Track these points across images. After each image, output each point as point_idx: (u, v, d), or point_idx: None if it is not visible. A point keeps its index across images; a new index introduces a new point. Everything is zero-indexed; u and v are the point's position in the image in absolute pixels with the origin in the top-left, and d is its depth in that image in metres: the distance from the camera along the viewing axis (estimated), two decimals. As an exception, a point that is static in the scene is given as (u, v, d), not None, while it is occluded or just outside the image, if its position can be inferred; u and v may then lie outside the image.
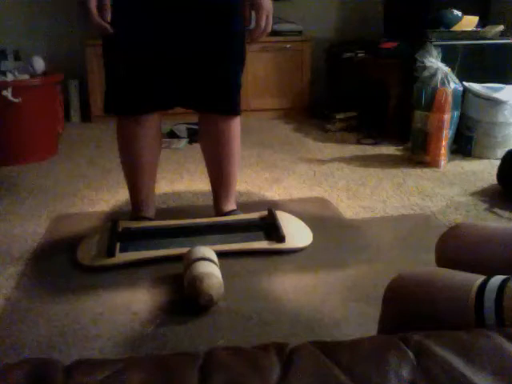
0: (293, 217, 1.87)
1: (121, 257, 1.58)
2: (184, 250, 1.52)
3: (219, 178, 1.84)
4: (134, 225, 1.77)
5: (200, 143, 1.87)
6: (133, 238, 1.69)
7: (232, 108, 1.74)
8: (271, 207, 1.87)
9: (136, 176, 1.78)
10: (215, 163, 1.83)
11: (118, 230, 1.70)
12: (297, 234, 1.76)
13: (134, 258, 1.58)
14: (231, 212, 1.85)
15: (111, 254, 1.57)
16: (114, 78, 1.66)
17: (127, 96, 1.65)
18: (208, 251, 1.48)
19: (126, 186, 1.84)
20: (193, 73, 1.65)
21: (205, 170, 1.90)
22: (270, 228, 1.74)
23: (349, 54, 3.57)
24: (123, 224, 1.75)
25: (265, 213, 1.84)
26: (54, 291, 1.46)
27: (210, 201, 1.95)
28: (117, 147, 1.77)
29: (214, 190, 1.88)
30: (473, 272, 0.66)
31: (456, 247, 0.82)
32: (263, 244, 1.67)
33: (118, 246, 1.62)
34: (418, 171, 2.53)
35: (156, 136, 1.75)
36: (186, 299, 1.37)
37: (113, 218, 1.89)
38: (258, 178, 2.44)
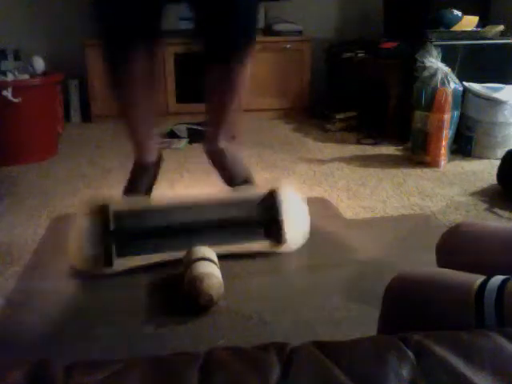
0: (296, 199, 1.76)
1: (119, 264, 1.52)
2: (184, 251, 1.51)
3: (216, 116, 1.79)
4: (127, 207, 1.62)
5: (206, 91, 1.77)
6: (129, 238, 1.59)
7: (235, 55, 1.64)
8: (274, 189, 1.70)
9: (131, 116, 1.71)
10: (216, 107, 1.78)
11: (110, 227, 1.56)
12: (298, 228, 1.70)
13: (133, 265, 1.54)
14: (221, 151, 1.83)
15: (109, 263, 1.51)
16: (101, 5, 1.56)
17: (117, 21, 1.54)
18: (208, 251, 1.48)
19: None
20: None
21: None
22: (270, 224, 1.66)
23: (349, 54, 3.57)
24: (115, 208, 1.59)
25: (265, 192, 1.72)
26: (53, 291, 1.46)
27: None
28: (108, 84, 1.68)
29: (210, 119, 1.83)
30: (473, 272, 0.66)
31: (456, 247, 0.82)
32: (263, 245, 1.65)
33: (113, 248, 1.54)
34: (418, 171, 2.53)
35: (147, 73, 1.64)
36: (185, 299, 1.37)
37: (100, 200, 1.65)
38: (258, 178, 2.44)
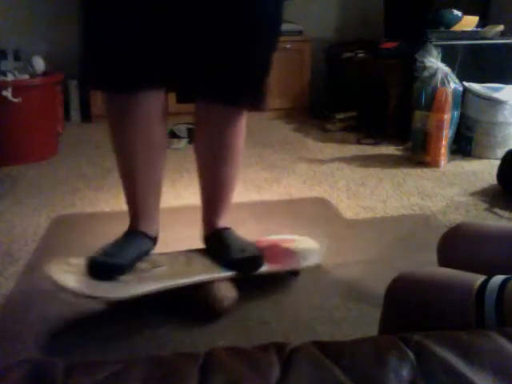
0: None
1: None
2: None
3: (215, 184, 1.49)
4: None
5: (194, 141, 1.50)
6: None
7: (241, 97, 1.34)
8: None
9: (129, 175, 1.40)
10: (211, 167, 1.48)
11: None
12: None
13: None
14: (224, 230, 1.48)
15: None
16: (93, 37, 1.32)
17: (110, 62, 1.25)
18: None
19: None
20: (197, 40, 1.25)
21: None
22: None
23: (349, 54, 3.56)
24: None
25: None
26: (53, 291, 1.46)
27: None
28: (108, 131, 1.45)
29: (205, 199, 1.52)
30: (474, 271, 0.66)
31: (457, 247, 0.82)
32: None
33: None
34: (418, 171, 2.53)
35: (154, 124, 1.34)
36: (198, 304, 1.36)
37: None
38: (258, 178, 2.44)
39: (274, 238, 1.65)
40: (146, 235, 1.41)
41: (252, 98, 1.36)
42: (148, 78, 1.27)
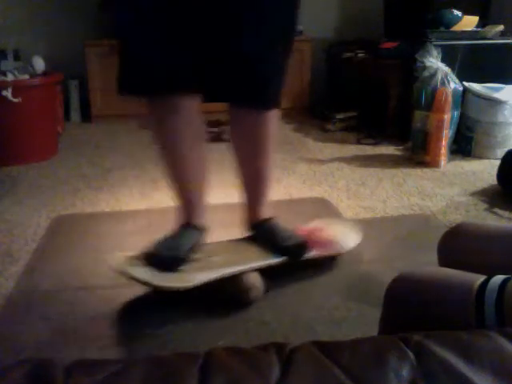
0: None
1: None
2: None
3: (254, 178, 1.57)
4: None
5: (231, 139, 1.56)
6: None
7: (266, 100, 1.45)
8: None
9: (178, 172, 1.50)
10: (248, 163, 1.56)
11: None
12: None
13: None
14: (270, 219, 1.59)
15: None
16: (129, 47, 1.35)
17: (144, 69, 1.33)
18: None
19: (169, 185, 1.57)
20: (218, 45, 1.33)
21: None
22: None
23: (349, 54, 3.57)
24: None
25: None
26: (53, 291, 1.46)
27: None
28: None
29: (247, 192, 1.59)
30: (474, 271, 0.66)
31: (457, 247, 0.82)
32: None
33: None
34: (418, 171, 2.53)
35: (194, 121, 1.44)
36: (227, 296, 1.39)
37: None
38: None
39: (310, 225, 1.74)
40: (198, 227, 1.51)
41: (272, 99, 1.47)
42: (183, 83, 1.36)
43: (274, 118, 1.51)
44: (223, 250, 1.51)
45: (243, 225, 1.62)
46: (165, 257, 1.40)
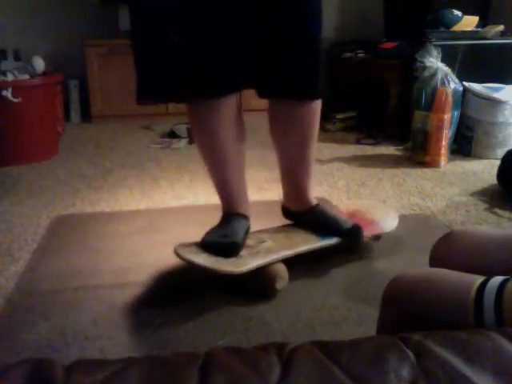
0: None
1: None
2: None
3: (302, 168, 1.61)
4: None
5: (270, 129, 1.56)
6: None
7: (307, 91, 1.45)
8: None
9: (217, 168, 1.53)
10: (290, 151, 1.59)
11: None
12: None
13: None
14: (320, 205, 1.62)
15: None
16: (152, 50, 1.34)
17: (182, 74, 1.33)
18: None
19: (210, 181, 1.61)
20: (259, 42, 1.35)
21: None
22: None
23: (349, 54, 3.57)
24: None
25: None
26: (54, 291, 1.46)
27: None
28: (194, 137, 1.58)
29: (291, 180, 1.63)
30: None
31: (448, 256, 0.82)
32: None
33: None
34: (418, 171, 2.53)
35: (233, 116, 1.47)
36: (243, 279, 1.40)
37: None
38: (259, 178, 2.44)
39: (349, 207, 1.83)
40: (244, 215, 1.55)
41: (312, 89, 1.46)
42: (236, 83, 1.41)
43: (319, 106, 1.52)
44: (272, 237, 1.55)
45: (284, 214, 1.68)
46: (225, 243, 1.43)
